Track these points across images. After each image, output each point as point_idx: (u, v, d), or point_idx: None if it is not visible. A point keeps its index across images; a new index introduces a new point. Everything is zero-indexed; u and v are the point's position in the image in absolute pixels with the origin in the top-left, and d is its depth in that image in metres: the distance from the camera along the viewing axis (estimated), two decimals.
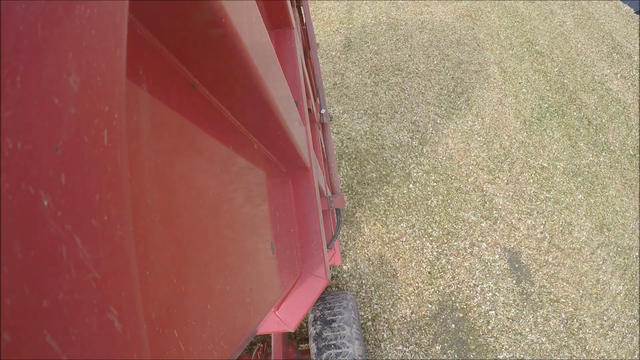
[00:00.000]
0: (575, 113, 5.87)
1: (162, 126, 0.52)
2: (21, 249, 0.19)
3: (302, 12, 2.85)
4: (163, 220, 0.49)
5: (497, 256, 4.31)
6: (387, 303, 3.97)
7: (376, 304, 3.96)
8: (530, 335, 3.86)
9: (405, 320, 3.88)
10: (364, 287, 4.07)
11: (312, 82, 2.87)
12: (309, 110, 2.17)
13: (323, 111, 2.78)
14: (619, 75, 6.53)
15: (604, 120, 5.82)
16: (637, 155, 5.41)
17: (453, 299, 4.03)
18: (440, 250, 4.34)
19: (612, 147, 5.49)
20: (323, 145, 2.79)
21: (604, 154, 5.41)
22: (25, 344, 0.19)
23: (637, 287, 4.23)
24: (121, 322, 0.25)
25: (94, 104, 0.24)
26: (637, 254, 4.47)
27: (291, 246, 1.24)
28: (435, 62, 6.37)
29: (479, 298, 4.05)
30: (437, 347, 3.75)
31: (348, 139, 5.29)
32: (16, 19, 0.19)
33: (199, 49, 0.53)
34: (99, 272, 0.24)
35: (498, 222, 4.58)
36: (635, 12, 7.66)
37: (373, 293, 4.02)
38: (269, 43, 0.74)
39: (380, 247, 4.35)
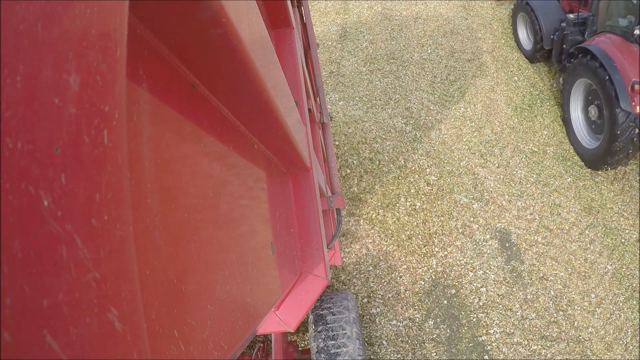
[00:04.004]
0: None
1: (162, 126, 0.52)
2: (21, 249, 0.19)
3: (302, 12, 2.85)
4: (163, 220, 0.49)
5: (488, 236, 4.45)
6: (383, 280, 4.09)
7: (372, 282, 4.08)
8: (520, 311, 3.97)
9: (400, 297, 3.99)
10: (363, 265, 4.19)
11: (312, 82, 2.87)
12: (309, 110, 2.17)
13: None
14: None
15: None
16: None
17: (445, 276, 4.15)
18: (433, 230, 4.46)
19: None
20: (323, 145, 2.79)
21: None
22: (25, 344, 0.19)
23: (624, 267, 4.33)
24: (121, 322, 0.25)
25: (94, 104, 0.24)
26: (624, 235, 4.58)
27: (291, 246, 1.24)
28: (429, 51, 6.48)
29: (471, 275, 4.16)
30: (430, 322, 3.86)
31: (344, 123, 5.44)
32: (16, 19, 0.19)
33: (199, 49, 0.53)
34: (99, 272, 0.24)
35: (489, 203, 4.71)
36: None
37: (370, 273, 4.13)
38: (269, 43, 0.74)
39: (377, 228, 4.46)
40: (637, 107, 4.03)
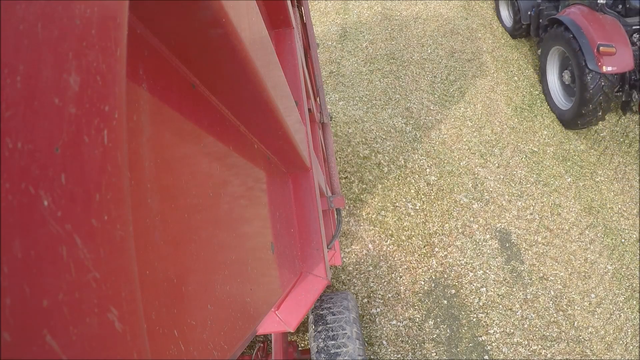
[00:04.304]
0: None
1: (162, 126, 0.52)
2: (21, 249, 0.19)
3: (302, 12, 2.85)
4: (163, 220, 0.49)
5: (488, 236, 4.44)
6: (383, 280, 4.09)
7: (372, 282, 4.08)
8: (520, 311, 3.97)
9: (400, 297, 3.99)
10: (363, 265, 4.21)
11: (312, 82, 2.87)
12: (309, 110, 2.17)
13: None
14: None
15: None
16: (626, 141, 5.56)
17: (445, 276, 4.15)
18: (433, 230, 4.46)
19: (601, 133, 5.63)
20: (323, 145, 2.79)
21: (593, 139, 5.55)
22: (25, 344, 0.19)
23: (624, 267, 4.33)
24: (121, 322, 0.25)
25: (94, 104, 0.24)
26: (624, 235, 4.58)
27: (291, 246, 1.24)
28: (429, 51, 6.50)
29: (471, 275, 4.16)
30: (430, 322, 3.86)
31: (344, 123, 5.49)
32: (16, 19, 0.19)
33: (199, 49, 0.53)
34: (99, 272, 0.24)
35: (489, 203, 4.71)
36: None
37: (370, 273, 4.14)
38: (269, 43, 0.74)
39: (377, 228, 4.47)
40: (603, 67, 4.68)
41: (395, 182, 4.84)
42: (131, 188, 0.43)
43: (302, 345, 3.56)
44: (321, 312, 2.85)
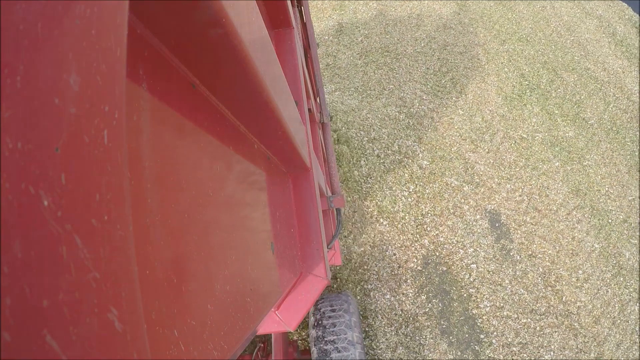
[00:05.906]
0: (554, 90, 6.12)
1: (162, 126, 0.52)
2: (21, 249, 0.19)
3: (302, 12, 2.85)
4: (163, 220, 0.49)
5: (478, 216, 4.56)
6: (378, 258, 4.19)
7: (367, 259, 4.18)
8: (509, 286, 4.08)
9: (394, 273, 4.10)
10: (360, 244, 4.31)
11: (312, 81, 2.87)
12: (309, 110, 2.17)
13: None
14: (596, 54, 6.83)
15: (582, 97, 6.09)
16: (613, 128, 5.70)
17: (437, 254, 4.26)
18: (425, 211, 4.57)
19: (590, 121, 5.76)
20: (323, 145, 2.79)
21: (581, 126, 5.69)
22: (25, 344, 0.19)
23: (611, 245, 4.46)
24: (121, 322, 0.25)
25: (94, 104, 0.24)
26: (611, 216, 4.72)
27: (291, 246, 1.24)
28: (422, 45, 6.62)
29: (461, 253, 4.27)
30: (422, 297, 3.96)
31: (343, 112, 5.60)
32: (16, 19, 0.19)
33: (199, 49, 0.53)
34: (99, 272, 0.24)
35: (479, 186, 4.82)
36: None
37: (366, 251, 4.24)
38: (269, 43, 0.74)
39: (373, 209, 4.58)
40: None
41: (390, 166, 4.94)
42: (131, 188, 0.43)
43: (303, 340, 3.57)
44: (321, 309, 2.85)
